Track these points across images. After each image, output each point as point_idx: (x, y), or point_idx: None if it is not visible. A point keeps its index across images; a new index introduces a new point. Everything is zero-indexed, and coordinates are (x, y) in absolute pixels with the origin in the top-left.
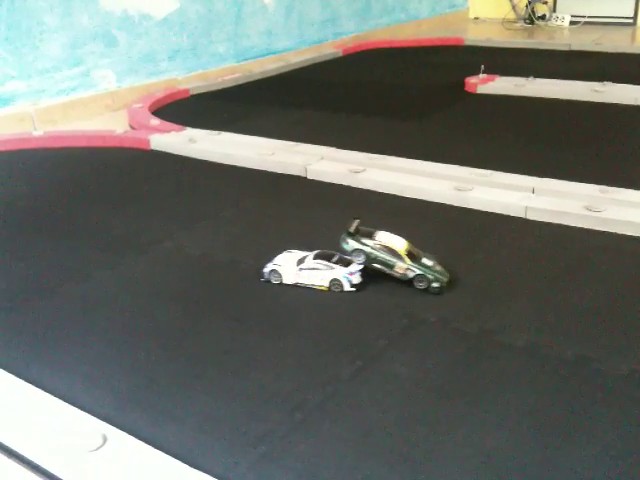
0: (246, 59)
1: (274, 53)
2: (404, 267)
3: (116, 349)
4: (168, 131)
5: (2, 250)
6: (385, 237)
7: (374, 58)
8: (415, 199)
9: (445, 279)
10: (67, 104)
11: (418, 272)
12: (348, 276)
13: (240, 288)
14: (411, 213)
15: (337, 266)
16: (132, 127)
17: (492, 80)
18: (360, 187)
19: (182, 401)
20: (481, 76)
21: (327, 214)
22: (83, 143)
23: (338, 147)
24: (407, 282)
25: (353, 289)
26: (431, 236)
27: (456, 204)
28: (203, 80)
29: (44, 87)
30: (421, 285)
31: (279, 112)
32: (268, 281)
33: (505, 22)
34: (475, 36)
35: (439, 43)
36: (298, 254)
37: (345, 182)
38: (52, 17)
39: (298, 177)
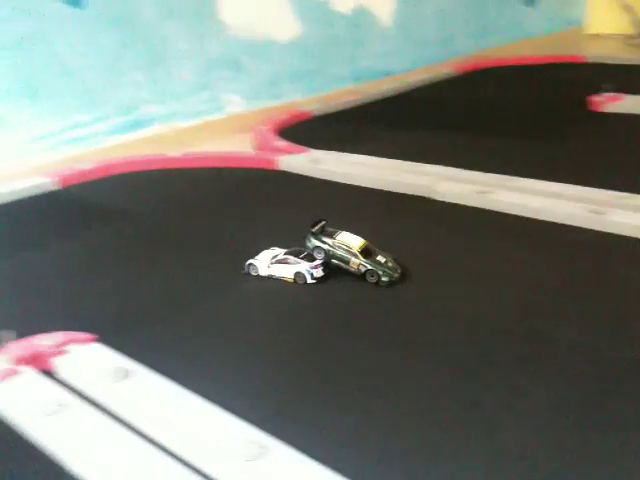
0: (364, 80)
1: (390, 74)
2: (357, 263)
3: (257, 363)
4: (294, 152)
5: (137, 266)
6: (344, 237)
7: (490, 77)
8: (548, 222)
9: (395, 274)
10: (198, 127)
11: (369, 267)
12: (310, 270)
13: (367, 304)
14: (546, 236)
15: (302, 261)
16: (258, 148)
17: (619, 99)
18: (489, 209)
19: (327, 415)
20: (606, 94)
21: (454, 235)
22: (216, 164)
23: (461, 167)
24: (361, 276)
25: (314, 281)
26: (563, 260)
27: (592, 227)
28: (323, 102)
29: (177, 111)
30: (372, 279)
31: (398, 132)
32: (248, 273)
33: (626, 38)
34: (595, 53)
35: (558, 60)
36: (277, 251)
37: (472, 203)
38: (185, 44)
39: (423, 198)
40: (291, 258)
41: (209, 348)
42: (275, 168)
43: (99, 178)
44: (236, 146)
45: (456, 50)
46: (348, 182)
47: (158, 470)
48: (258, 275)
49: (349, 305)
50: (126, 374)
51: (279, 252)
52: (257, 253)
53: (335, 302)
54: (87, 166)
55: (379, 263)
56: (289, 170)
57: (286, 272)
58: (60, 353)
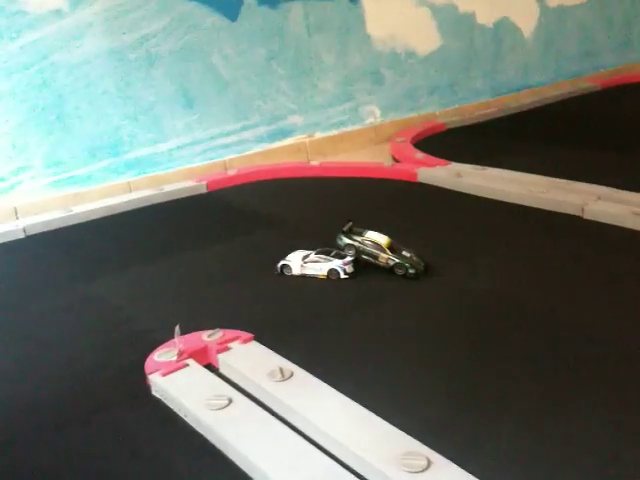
0: (501, 94)
1: (529, 87)
2: (386, 257)
3: (415, 372)
4: (433, 165)
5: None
6: (371, 235)
7: (637, 92)
8: None
9: (420, 267)
10: (336, 137)
11: (397, 261)
12: (342, 266)
13: (529, 327)
14: None
15: (334, 259)
16: (395, 159)
17: None
18: None
19: (488, 432)
20: None
21: (605, 256)
22: (355, 174)
23: (610, 186)
24: (389, 270)
25: (347, 276)
26: None
27: None
28: (459, 114)
29: (319, 121)
30: (400, 271)
31: (537, 147)
32: (281, 273)
33: None
34: None
35: None
36: (305, 252)
37: (628, 225)
38: (330, 57)
39: (573, 217)
40: (323, 257)
41: (365, 354)
42: (414, 180)
43: (244, 183)
44: (373, 157)
45: (600, 64)
46: (491, 197)
47: (324, 474)
48: (292, 274)
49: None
50: (287, 374)
51: (308, 252)
52: None
53: (482, 309)
54: (233, 172)
55: (405, 257)
56: (428, 182)
57: (320, 270)
58: (224, 349)
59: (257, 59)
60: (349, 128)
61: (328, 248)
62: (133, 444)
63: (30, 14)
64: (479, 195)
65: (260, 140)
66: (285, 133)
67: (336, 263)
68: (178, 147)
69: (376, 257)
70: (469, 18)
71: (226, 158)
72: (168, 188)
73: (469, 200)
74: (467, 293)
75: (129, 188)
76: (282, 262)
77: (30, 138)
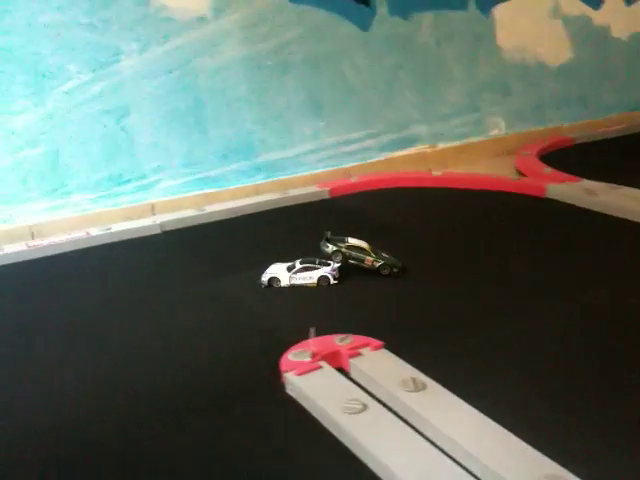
0: (633, 109)
1: None
2: (371, 260)
3: (551, 393)
4: (562, 180)
5: (411, 278)
6: (353, 241)
7: None
8: None
9: (399, 265)
10: (459, 148)
11: (382, 262)
12: (332, 272)
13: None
14: None
15: (321, 267)
16: (521, 173)
17: None
18: None
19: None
20: None
21: None
22: (479, 186)
23: None
24: (374, 272)
25: (336, 282)
26: None
27: None
28: (588, 129)
29: (442, 131)
30: (385, 271)
31: None
32: (269, 286)
33: None
34: None
35: None
36: (285, 264)
37: None
38: (458, 67)
39: None
40: (309, 265)
41: (498, 370)
42: (542, 195)
43: (365, 191)
44: (496, 169)
45: None
46: (628, 217)
47: None
48: (280, 286)
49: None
50: (420, 385)
51: (289, 264)
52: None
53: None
54: (355, 179)
55: (385, 258)
56: (558, 199)
57: (311, 278)
58: (355, 355)
59: (385, 68)
60: (472, 139)
61: (309, 258)
62: (269, 438)
63: (176, 21)
64: (614, 215)
65: (382, 149)
66: (408, 142)
67: (325, 270)
68: (304, 153)
69: (362, 260)
70: (603, 31)
71: (348, 165)
72: (293, 192)
73: (602, 219)
74: (603, 314)
75: (257, 191)
76: (268, 275)
77: (170, 139)
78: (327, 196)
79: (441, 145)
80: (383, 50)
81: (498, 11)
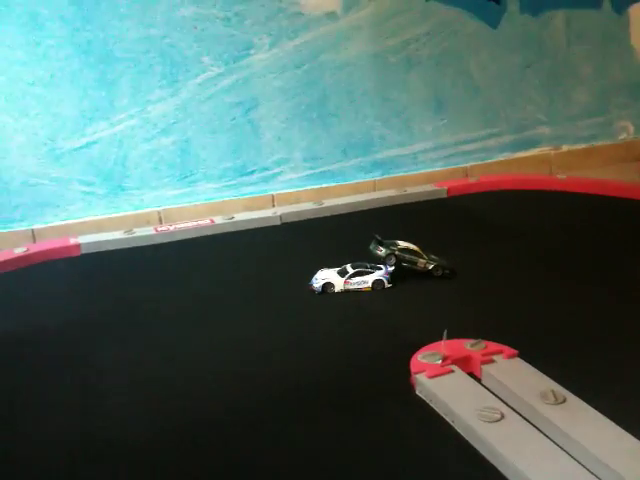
0: None
1: None
2: (424, 262)
3: None
4: None
5: (546, 286)
6: (403, 243)
7: None
8: None
9: (450, 266)
10: (584, 151)
11: (434, 263)
12: (386, 276)
13: None
14: None
15: (374, 270)
16: None
17: None
18: None
19: None
20: None
21: None
22: (606, 192)
23: None
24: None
25: (390, 285)
26: None
27: None
28: None
29: (567, 133)
30: (438, 273)
31: None
32: (323, 292)
33: None
34: None
35: None
36: (333, 269)
37: None
38: (587, 68)
39: None
40: (363, 270)
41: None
42: None
43: (484, 192)
44: (622, 175)
45: None
46: None
47: None
48: (334, 292)
49: None
50: (559, 398)
51: (338, 269)
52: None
53: None
54: (475, 179)
55: (436, 259)
56: None
57: (365, 283)
58: (488, 361)
59: (512, 67)
60: (599, 143)
61: (359, 262)
62: (403, 440)
63: (306, 16)
64: None
65: (503, 149)
66: (530, 143)
67: (379, 274)
68: (423, 150)
69: (415, 263)
70: None
71: (467, 165)
72: (410, 190)
73: None
74: None
75: (374, 187)
76: (321, 282)
77: (293, 133)
78: (445, 195)
79: (565, 147)
80: (511, 48)
81: (634, 11)
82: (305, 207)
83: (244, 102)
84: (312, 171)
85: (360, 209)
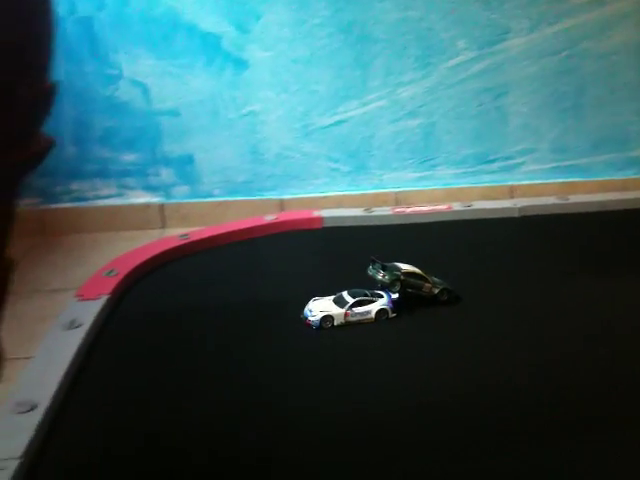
0: None
1: None
2: (429, 286)
3: None
4: None
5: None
6: (405, 266)
7: None
8: None
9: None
10: None
11: (440, 287)
12: (391, 304)
13: None
14: None
15: (377, 299)
16: None
17: None
18: None
19: None
20: None
21: None
22: None
23: None
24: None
25: (394, 314)
26: None
27: None
28: None
29: None
30: (444, 297)
31: None
32: (320, 328)
33: None
34: None
35: None
36: (327, 299)
37: None
38: None
39: None
40: (364, 299)
41: None
42: None
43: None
44: None
45: None
46: None
47: None
48: (333, 326)
49: None
50: None
51: (332, 297)
52: None
53: None
54: None
55: (440, 282)
56: None
57: (368, 313)
58: None
59: None
60: None
61: (358, 290)
62: None
63: (570, 2)
64: None
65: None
66: None
67: (382, 302)
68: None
69: (420, 287)
70: None
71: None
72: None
73: None
74: None
75: (624, 186)
76: (319, 316)
77: (542, 122)
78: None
79: None
80: None
81: None
82: (547, 201)
83: (494, 88)
84: (558, 164)
85: (609, 209)
